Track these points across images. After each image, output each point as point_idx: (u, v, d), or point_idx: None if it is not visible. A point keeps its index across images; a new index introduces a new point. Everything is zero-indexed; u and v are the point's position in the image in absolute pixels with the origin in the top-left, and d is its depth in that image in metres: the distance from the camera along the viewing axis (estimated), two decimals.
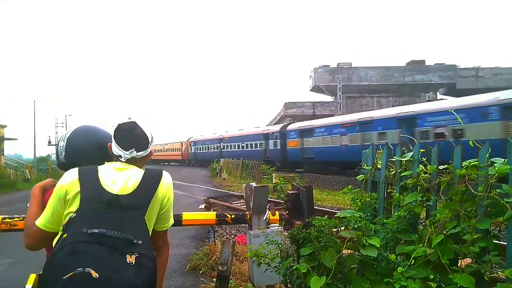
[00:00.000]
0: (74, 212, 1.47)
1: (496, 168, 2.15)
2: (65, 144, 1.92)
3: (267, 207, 3.00)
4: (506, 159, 2.16)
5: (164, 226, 1.75)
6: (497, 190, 2.04)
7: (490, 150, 2.24)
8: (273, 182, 16.39)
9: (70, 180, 1.56)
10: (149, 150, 1.78)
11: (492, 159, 2.26)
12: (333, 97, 36.91)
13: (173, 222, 1.81)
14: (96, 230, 1.39)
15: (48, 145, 58.59)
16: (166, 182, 1.70)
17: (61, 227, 1.50)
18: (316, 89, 39.71)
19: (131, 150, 1.69)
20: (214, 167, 27.80)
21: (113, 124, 1.76)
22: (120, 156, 1.69)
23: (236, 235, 7.27)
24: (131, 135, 1.72)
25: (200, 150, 45.42)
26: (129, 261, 1.38)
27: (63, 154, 1.92)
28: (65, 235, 1.41)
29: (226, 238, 6.96)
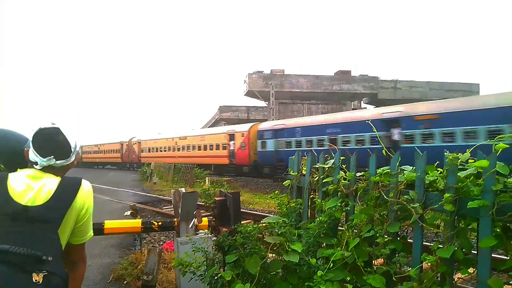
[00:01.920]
0: None
1: (405, 175, 2.35)
2: None
3: (194, 213, 2.96)
4: (414, 167, 2.37)
5: (81, 240, 1.62)
6: (405, 196, 2.23)
7: (400, 159, 2.44)
8: (206, 186, 16.26)
9: None
10: (71, 159, 1.64)
11: (402, 167, 2.47)
12: (266, 102, 37.75)
13: (92, 235, 1.68)
14: None
15: None
16: (85, 191, 1.57)
17: None
18: (250, 93, 40.24)
19: (50, 157, 1.55)
20: (145, 170, 26.70)
21: (33, 128, 1.60)
22: (36, 163, 1.55)
23: (165, 242, 7.06)
24: (51, 142, 1.58)
25: (293, 145, 21.17)
26: (36, 280, 1.26)
27: None
28: None
29: (152, 246, 6.72)
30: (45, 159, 1.55)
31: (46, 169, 1.56)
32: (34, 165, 1.56)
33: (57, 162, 1.58)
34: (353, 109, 39.17)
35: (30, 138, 1.59)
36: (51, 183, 1.50)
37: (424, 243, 2.78)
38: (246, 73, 40.54)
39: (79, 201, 1.53)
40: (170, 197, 13.87)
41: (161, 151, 35.43)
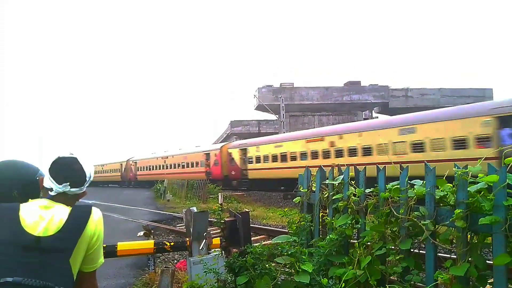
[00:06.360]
0: None
1: (414, 191, 2.32)
2: None
3: (204, 235, 2.96)
4: (424, 181, 2.34)
5: (92, 267, 1.62)
6: (415, 212, 2.20)
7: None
8: (219, 202, 16.19)
9: None
10: (84, 189, 1.67)
11: (412, 181, 2.43)
12: (277, 116, 37.86)
13: (103, 261, 1.69)
14: (10, 279, 1.27)
15: None
16: (96, 220, 1.59)
17: None
18: (260, 108, 40.46)
19: (65, 184, 1.58)
20: (158, 187, 26.81)
21: (51, 157, 1.65)
22: (51, 190, 1.58)
23: (179, 260, 7.04)
24: (68, 169, 1.62)
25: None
26: None
27: None
28: None
29: (165, 267, 6.71)
30: (61, 186, 1.58)
31: (58, 197, 1.58)
32: (49, 192, 1.59)
33: (72, 189, 1.60)
34: (364, 119, 38.94)
35: (47, 166, 1.62)
36: (62, 212, 1.52)
37: (442, 255, 2.71)
38: (256, 88, 40.84)
39: (89, 229, 1.54)
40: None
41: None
